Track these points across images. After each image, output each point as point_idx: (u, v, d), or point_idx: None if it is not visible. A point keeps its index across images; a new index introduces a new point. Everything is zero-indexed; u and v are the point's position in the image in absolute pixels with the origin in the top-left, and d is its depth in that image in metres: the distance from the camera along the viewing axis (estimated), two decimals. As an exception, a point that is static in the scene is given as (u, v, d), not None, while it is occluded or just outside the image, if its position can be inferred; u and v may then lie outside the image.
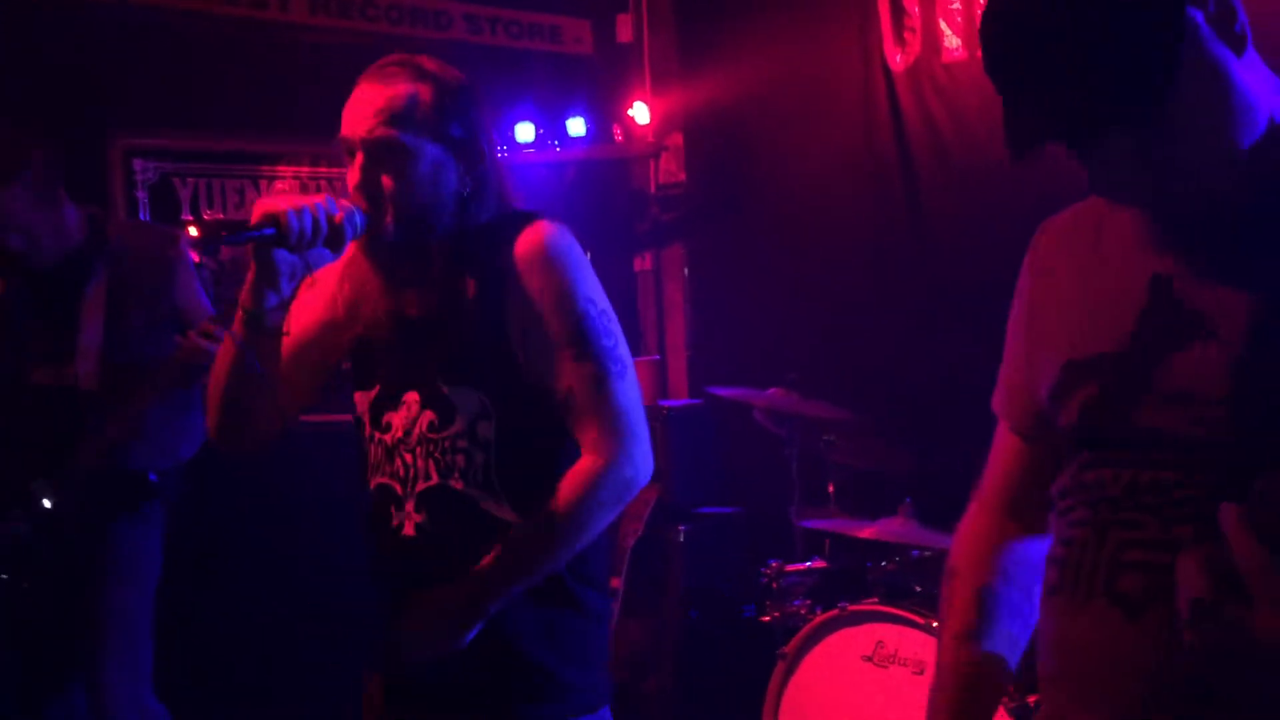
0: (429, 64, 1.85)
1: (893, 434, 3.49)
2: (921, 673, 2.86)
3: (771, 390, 3.49)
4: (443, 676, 1.79)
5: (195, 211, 4.18)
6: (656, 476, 4.18)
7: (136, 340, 2.78)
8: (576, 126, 4.60)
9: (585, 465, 1.78)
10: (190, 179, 4.17)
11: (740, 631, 3.80)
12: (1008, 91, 1.13)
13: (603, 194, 4.95)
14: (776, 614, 3.32)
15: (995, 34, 1.14)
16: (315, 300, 1.95)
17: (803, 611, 3.27)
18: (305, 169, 4.42)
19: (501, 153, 1.96)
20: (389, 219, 1.78)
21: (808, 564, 3.39)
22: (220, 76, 4.13)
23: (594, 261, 4.85)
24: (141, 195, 4.06)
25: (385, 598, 1.86)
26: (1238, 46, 1.12)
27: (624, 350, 1.85)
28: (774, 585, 3.34)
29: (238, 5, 4.11)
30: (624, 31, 5.01)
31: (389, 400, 1.86)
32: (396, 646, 1.79)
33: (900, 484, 3.26)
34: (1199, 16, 1.10)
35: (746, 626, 3.56)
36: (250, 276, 1.77)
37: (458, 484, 1.80)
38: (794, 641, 3.10)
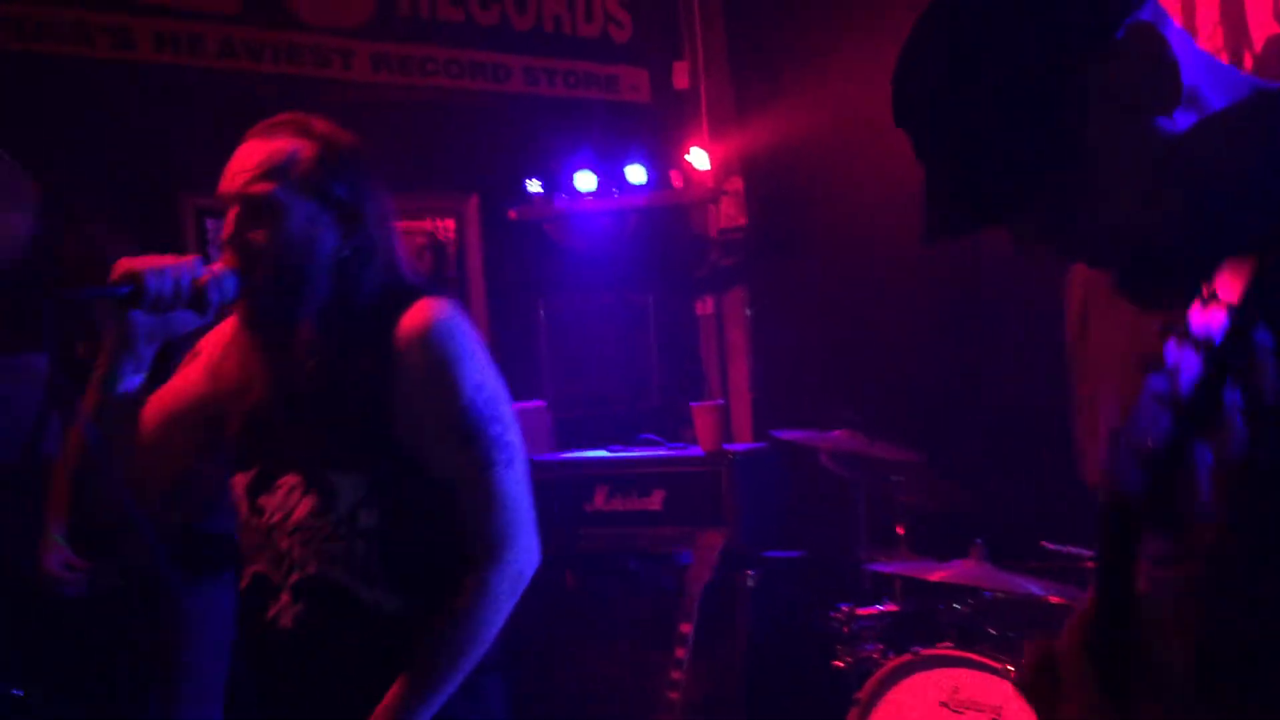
0: (318, 124, 1.80)
1: (962, 474, 3.45)
2: (998, 718, 2.80)
3: (837, 432, 3.47)
4: None
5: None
6: (723, 521, 4.13)
7: None
8: (636, 174, 4.64)
9: (479, 566, 1.73)
10: (259, 236, 4.26)
11: (812, 676, 3.75)
12: (926, 172, 1.09)
13: (663, 240, 4.98)
14: (849, 659, 3.27)
15: (904, 123, 1.10)
16: (196, 372, 1.88)
17: (875, 656, 3.23)
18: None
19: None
20: (259, 277, 1.71)
21: (879, 607, 3.35)
22: (287, 135, 4.24)
23: (656, 307, 4.89)
24: (214, 253, 4.16)
25: (261, 692, 1.81)
26: (1165, 103, 1.04)
27: (513, 435, 1.79)
28: (845, 629, 3.29)
29: (303, 65, 4.21)
30: (680, 78, 5.06)
31: (265, 483, 1.79)
32: None
33: (971, 525, 3.21)
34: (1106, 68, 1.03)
35: (818, 671, 3.51)
36: (106, 340, 1.70)
37: (337, 574, 1.73)
38: (868, 686, 3.05)
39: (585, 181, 4.62)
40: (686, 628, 3.68)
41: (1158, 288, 1.09)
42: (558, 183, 4.65)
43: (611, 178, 4.65)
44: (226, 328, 1.85)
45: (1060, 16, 1.02)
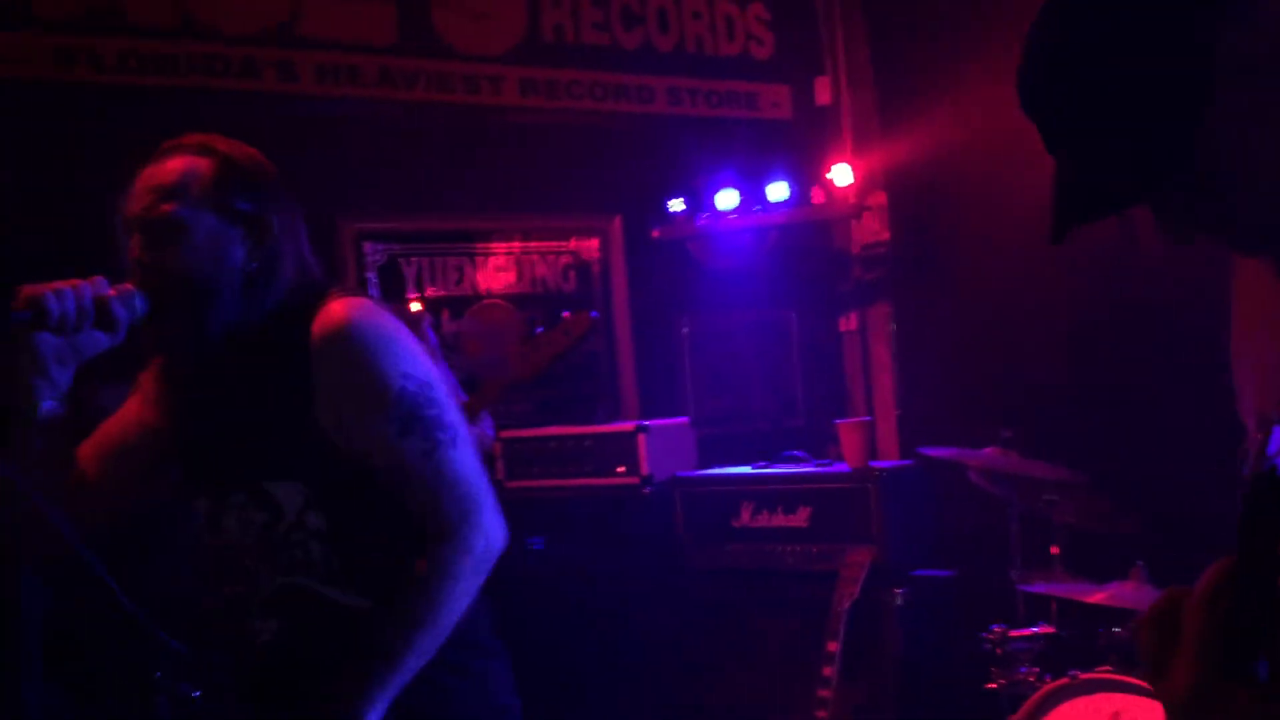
0: (216, 142, 1.81)
1: (1121, 493, 3.34)
2: (1162, 746, 2.70)
3: (987, 450, 3.40)
4: None
5: (420, 289, 4.41)
6: (870, 538, 4.09)
7: None
8: (778, 190, 4.64)
9: (437, 547, 1.71)
10: (414, 259, 4.41)
11: (963, 698, 3.68)
12: (1057, 158, 1.04)
13: (806, 256, 4.96)
14: (1002, 680, 3.20)
15: (1031, 110, 1.06)
16: (134, 404, 1.89)
17: (1030, 679, 3.14)
18: (518, 244, 4.61)
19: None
20: (168, 295, 1.71)
21: (1034, 629, 3.26)
22: (438, 160, 4.38)
23: (799, 323, 4.88)
24: (371, 276, 4.32)
25: (247, 705, 1.82)
26: None
27: (452, 415, 1.75)
28: (998, 651, 3.22)
29: (454, 92, 4.34)
30: (823, 94, 5.04)
31: (221, 504, 1.79)
32: None
33: (1131, 546, 3.11)
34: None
35: (970, 693, 3.44)
36: (16, 368, 1.69)
37: (302, 580, 1.74)
38: (1023, 710, 2.98)
39: (727, 199, 4.65)
40: (834, 646, 3.65)
41: None
42: (700, 201, 4.68)
43: (753, 195, 4.66)
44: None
45: None
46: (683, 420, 4.55)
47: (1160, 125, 0.99)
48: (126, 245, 1.78)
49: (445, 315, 4.44)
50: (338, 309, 1.74)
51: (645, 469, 4.07)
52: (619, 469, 4.10)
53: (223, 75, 3.93)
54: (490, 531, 1.74)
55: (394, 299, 4.34)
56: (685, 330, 4.83)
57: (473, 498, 1.74)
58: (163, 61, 3.84)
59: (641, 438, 4.08)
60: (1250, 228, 1.03)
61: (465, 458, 1.75)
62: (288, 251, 1.78)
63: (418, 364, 1.75)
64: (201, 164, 1.76)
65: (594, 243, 4.77)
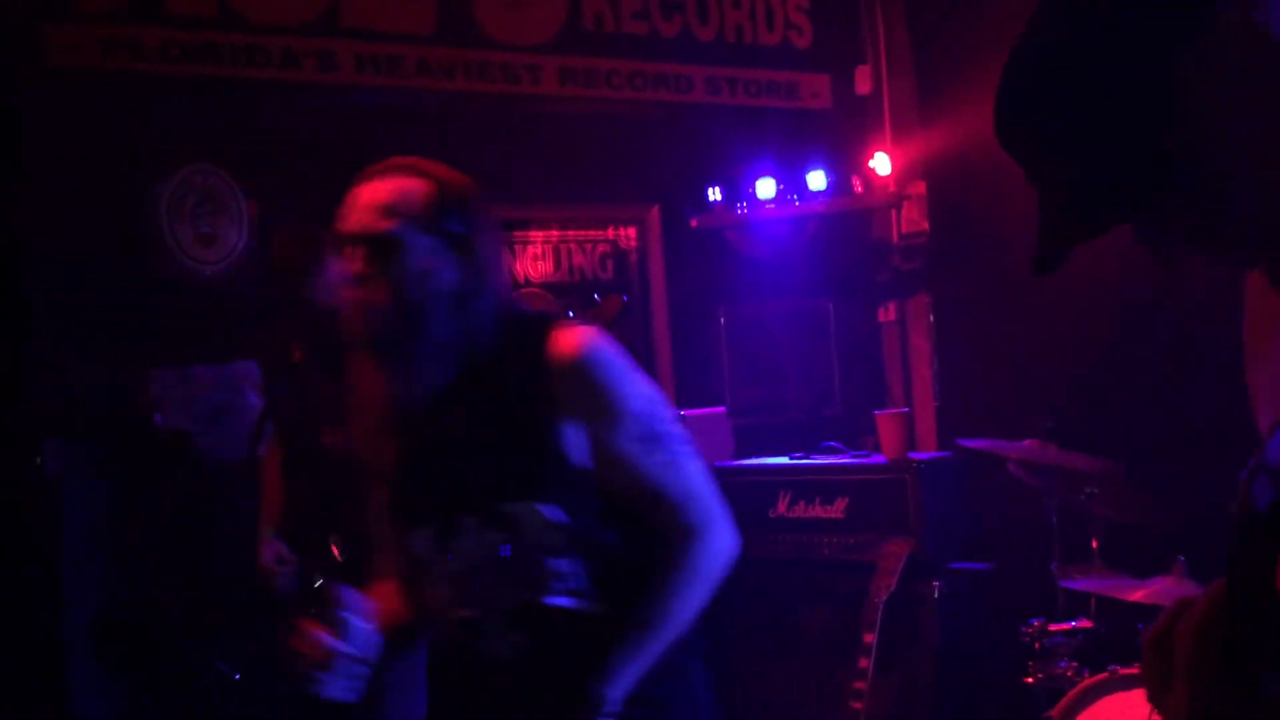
0: (429, 165, 1.86)
1: (1162, 487, 3.30)
2: (1203, 743, 2.67)
3: (1027, 442, 3.37)
4: None
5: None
6: (907, 530, 4.07)
7: None
8: (817, 180, 4.62)
9: (680, 548, 1.80)
10: (453, 247, 4.43)
11: (1001, 692, 3.66)
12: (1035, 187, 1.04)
13: (844, 246, 4.94)
14: (1040, 675, 3.18)
15: (1008, 142, 1.05)
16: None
17: (1069, 673, 3.12)
18: (555, 233, 4.62)
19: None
20: (384, 312, 1.76)
21: (1072, 623, 3.24)
22: (476, 149, 4.38)
23: (837, 313, 4.86)
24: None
25: None
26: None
27: (682, 430, 1.86)
28: (1036, 645, 3.20)
29: (494, 81, 4.35)
30: (863, 83, 5.01)
31: (450, 531, 1.83)
32: None
33: (1172, 540, 3.07)
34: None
35: (1007, 687, 3.42)
36: None
37: (545, 596, 1.80)
38: (1061, 705, 2.96)
39: (766, 189, 4.63)
40: (870, 637, 3.64)
41: None
42: (738, 190, 4.67)
43: (792, 184, 4.64)
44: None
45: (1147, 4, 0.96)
46: (720, 410, 4.54)
47: (1134, 142, 0.98)
48: (338, 261, 1.84)
49: (483, 304, 4.46)
50: (575, 335, 1.81)
51: (682, 459, 4.07)
52: (655, 459, 4.10)
53: (263, 66, 3.96)
54: (726, 534, 1.85)
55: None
56: (722, 320, 4.82)
57: (711, 503, 1.85)
58: (203, 51, 3.87)
59: (678, 427, 4.08)
60: (1231, 239, 1.02)
61: (701, 470, 1.86)
62: (493, 273, 1.86)
63: (646, 386, 1.86)
64: (417, 185, 1.82)
65: (632, 232, 4.76)
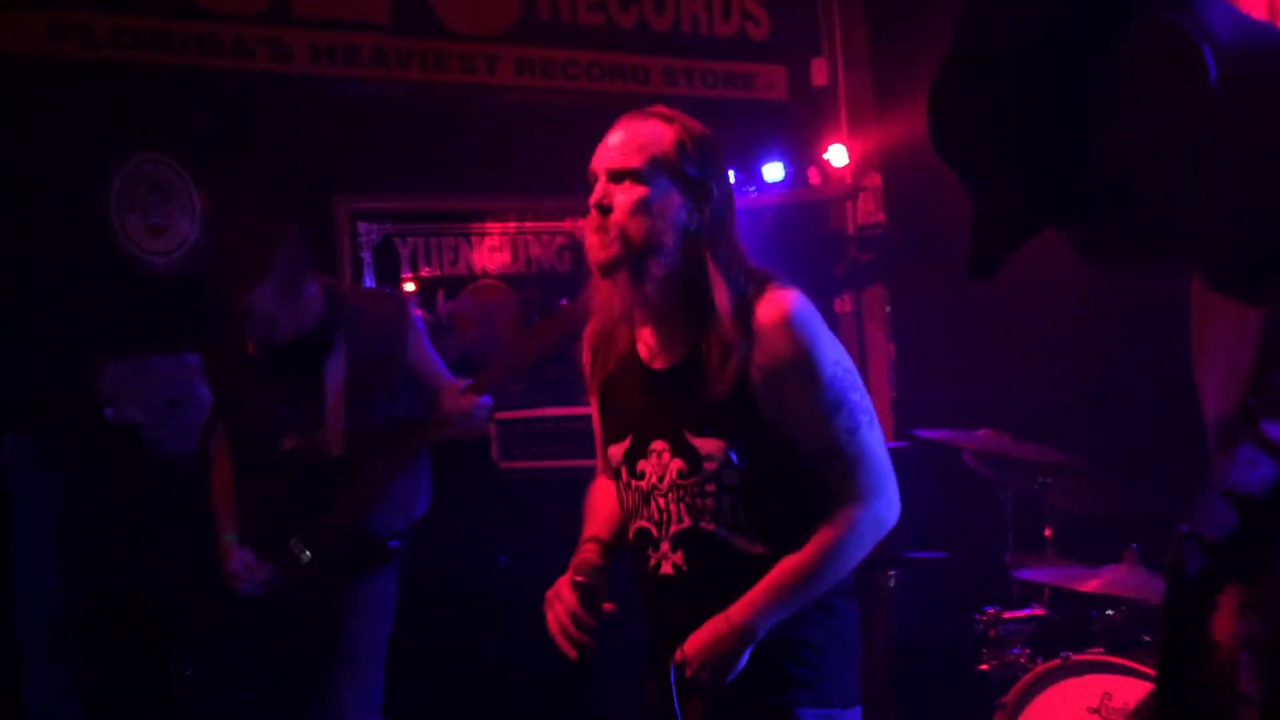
0: (678, 115, 2.02)
1: (1114, 476, 3.34)
2: (1153, 727, 2.72)
3: (981, 432, 3.40)
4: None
5: (414, 269, 4.40)
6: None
7: (375, 404, 2.95)
8: (773, 171, 4.63)
9: (847, 508, 1.92)
10: (409, 238, 4.40)
11: (955, 679, 3.69)
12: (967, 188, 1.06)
13: (801, 237, 4.95)
14: (994, 662, 3.21)
15: (939, 144, 1.08)
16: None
17: (1022, 660, 3.16)
18: (513, 224, 4.60)
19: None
20: (620, 240, 1.93)
21: (1026, 611, 3.27)
22: (434, 140, 4.36)
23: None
24: (366, 255, 4.31)
25: (653, 630, 2.03)
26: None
27: (868, 401, 1.99)
28: (991, 633, 3.23)
29: (450, 71, 4.32)
30: (819, 75, 5.02)
31: (640, 450, 2.01)
32: (679, 667, 1.92)
33: (1125, 529, 3.12)
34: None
35: (962, 674, 3.45)
36: None
37: (709, 525, 1.94)
38: (1014, 691, 2.99)
39: (723, 180, 4.63)
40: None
41: (1244, 281, 1.03)
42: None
43: (749, 176, 4.65)
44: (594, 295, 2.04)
45: (1059, 11, 0.97)
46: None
47: (1054, 151, 0.99)
48: (592, 191, 1.98)
49: (440, 295, 4.43)
50: (785, 297, 1.96)
51: (640, 450, 4.08)
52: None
53: (215, 55, 3.91)
54: (893, 505, 1.97)
55: (388, 279, 4.32)
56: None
57: (884, 473, 1.96)
58: (154, 39, 3.81)
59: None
60: (1154, 250, 1.04)
61: (879, 439, 1.98)
62: (725, 219, 2.00)
63: (843, 353, 1.99)
64: (666, 130, 1.98)
65: (589, 223, 4.75)
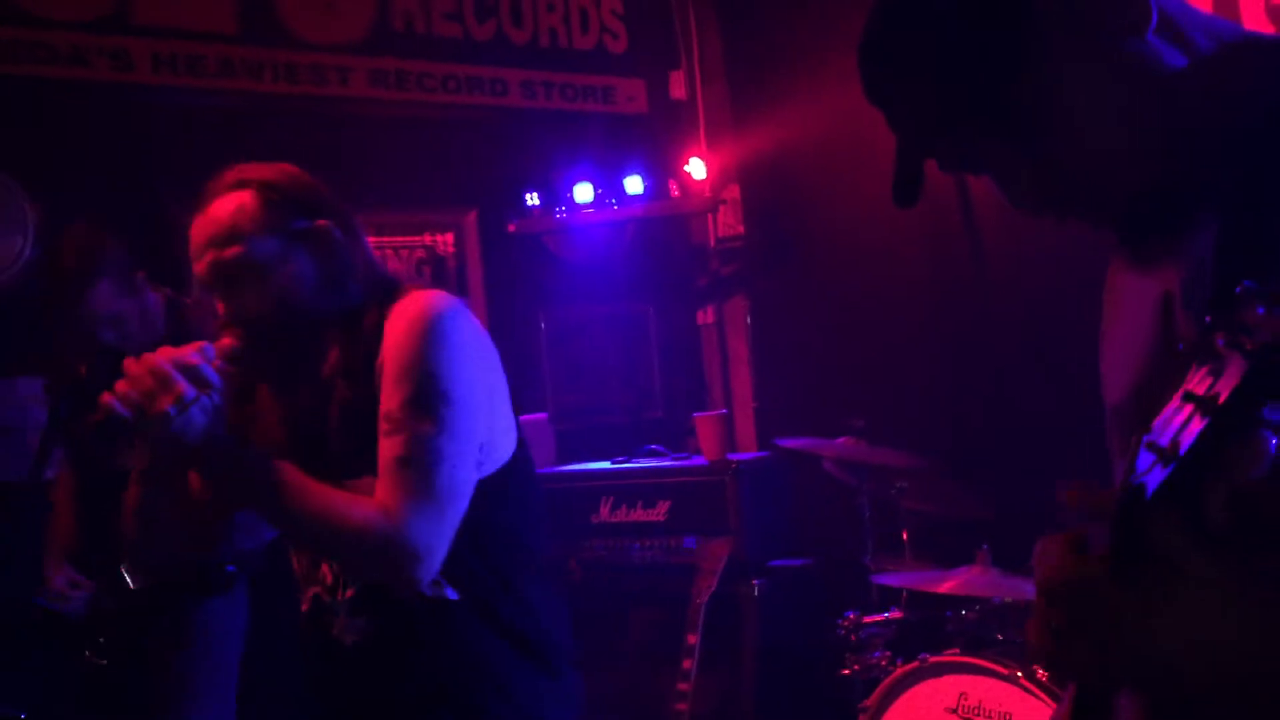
0: (251, 171, 1.83)
1: (966, 479, 3.44)
2: (1008, 724, 2.79)
3: (840, 440, 3.46)
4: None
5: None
6: (728, 530, 4.10)
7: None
8: (634, 184, 4.64)
9: (377, 512, 1.66)
10: (259, 254, 4.27)
11: (819, 685, 3.74)
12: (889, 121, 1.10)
13: (663, 250, 4.98)
14: (856, 666, 3.26)
15: (864, 70, 1.12)
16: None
17: (883, 664, 3.22)
18: (370, 239, 4.50)
19: (355, 229, 1.86)
20: (267, 333, 1.76)
21: (885, 615, 3.34)
22: (286, 153, 4.23)
23: (657, 317, 4.84)
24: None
25: (328, 708, 1.85)
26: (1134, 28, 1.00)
27: (465, 425, 1.70)
28: (852, 638, 3.28)
29: (301, 83, 4.21)
30: (677, 88, 5.06)
31: None
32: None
33: (977, 530, 3.20)
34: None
35: (826, 680, 3.50)
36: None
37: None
38: (875, 695, 3.04)
39: (583, 193, 4.63)
40: (693, 639, 3.67)
41: (1150, 246, 1.06)
42: (556, 195, 4.65)
43: (610, 189, 4.65)
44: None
45: None
46: (541, 416, 4.51)
47: (984, 88, 1.02)
48: (211, 303, 1.81)
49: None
50: (422, 297, 1.75)
51: (503, 466, 4.03)
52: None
53: (49, 63, 3.73)
54: (422, 537, 1.66)
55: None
56: (543, 325, 4.80)
57: (434, 497, 1.67)
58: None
59: (499, 435, 4.03)
60: (1072, 193, 1.06)
61: (451, 460, 1.69)
62: (355, 250, 1.82)
63: (474, 372, 1.74)
64: (244, 198, 1.78)
65: (449, 237, 4.69)
